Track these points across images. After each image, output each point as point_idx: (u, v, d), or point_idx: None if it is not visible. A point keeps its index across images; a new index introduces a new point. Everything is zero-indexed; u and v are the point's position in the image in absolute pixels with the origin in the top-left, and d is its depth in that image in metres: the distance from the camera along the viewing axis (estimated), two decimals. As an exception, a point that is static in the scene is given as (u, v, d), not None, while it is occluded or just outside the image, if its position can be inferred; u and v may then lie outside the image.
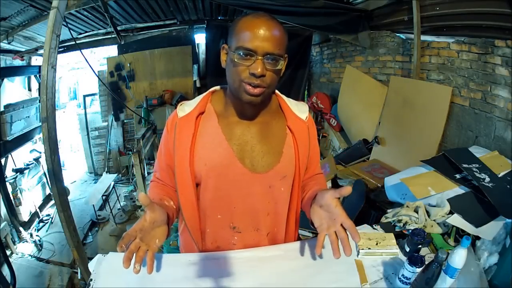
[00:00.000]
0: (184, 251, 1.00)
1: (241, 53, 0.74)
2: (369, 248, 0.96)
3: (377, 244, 0.98)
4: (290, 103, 0.94)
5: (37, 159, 3.83)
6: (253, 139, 0.87)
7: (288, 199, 0.93)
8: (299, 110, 0.94)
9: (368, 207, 2.00)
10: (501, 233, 1.06)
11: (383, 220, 1.27)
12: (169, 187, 0.95)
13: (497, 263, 0.94)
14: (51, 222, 3.67)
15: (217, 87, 0.94)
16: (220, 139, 0.85)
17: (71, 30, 2.60)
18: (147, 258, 0.68)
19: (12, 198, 3.25)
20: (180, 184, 0.87)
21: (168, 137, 0.90)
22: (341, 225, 0.73)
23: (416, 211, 1.23)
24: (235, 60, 0.75)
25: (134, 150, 2.86)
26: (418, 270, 0.78)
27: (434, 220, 1.21)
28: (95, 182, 4.71)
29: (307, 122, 0.94)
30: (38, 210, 3.71)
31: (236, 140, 0.86)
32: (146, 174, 3.09)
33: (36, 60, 3.94)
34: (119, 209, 3.90)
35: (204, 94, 0.92)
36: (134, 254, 0.67)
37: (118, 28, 3.71)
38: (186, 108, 0.88)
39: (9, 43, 3.03)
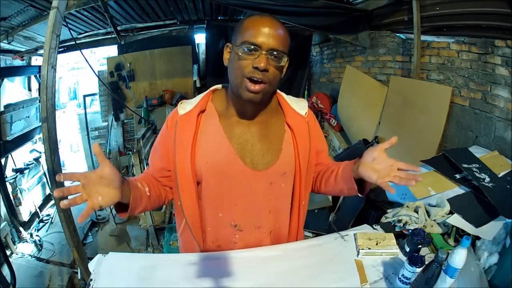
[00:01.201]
0: (184, 251, 0.99)
1: (246, 48, 0.77)
2: (369, 248, 0.96)
3: (377, 244, 0.98)
4: (290, 100, 0.95)
5: (37, 159, 3.83)
6: (253, 138, 0.88)
7: (289, 196, 0.94)
8: (299, 106, 0.95)
9: (368, 207, 2.00)
10: (501, 233, 1.06)
11: (383, 220, 1.27)
12: (158, 182, 0.93)
13: (497, 263, 0.94)
14: (51, 222, 3.67)
15: (218, 86, 0.95)
16: (221, 137, 0.86)
17: (71, 30, 2.59)
18: (84, 210, 0.67)
19: (12, 198, 3.25)
20: (181, 182, 0.87)
21: (168, 134, 0.90)
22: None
23: (416, 211, 1.23)
24: (240, 54, 0.77)
25: (134, 150, 2.86)
26: (418, 270, 0.78)
27: (434, 220, 1.21)
28: (95, 182, 4.70)
29: (307, 118, 0.95)
30: (38, 210, 3.71)
31: (236, 139, 0.87)
32: (146, 174, 3.09)
33: (36, 60, 3.94)
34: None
35: (205, 92, 0.92)
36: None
37: (118, 28, 3.71)
38: (187, 106, 0.89)
39: (9, 43, 3.02)
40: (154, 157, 0.95)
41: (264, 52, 0.76)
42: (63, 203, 0.66)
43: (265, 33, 0.76)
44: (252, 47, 0.76)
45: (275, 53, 0.77)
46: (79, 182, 0.68)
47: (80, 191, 0.68)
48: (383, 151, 0.81)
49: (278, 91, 0.96)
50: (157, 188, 0.91)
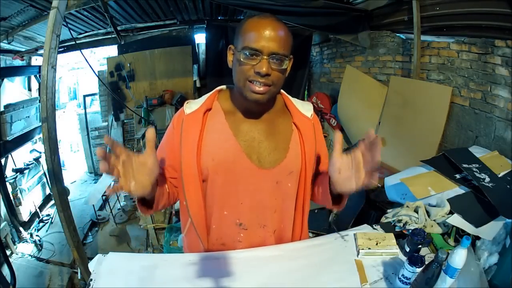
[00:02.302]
0: (188, 251, 1.00)
1: (247, 53, 0.77)
2: (369, 248, 0.96)
3: (377, 244, 0.98)
4: (296, 102, 0.96)
5: (37, 159, 3.83)
6: (260, 135, 0.88)
7: (294, 196, 0.93)
8: (304, 108, 0.95)
9: (368, 207, 2.00)
10: (501, 233, 1.06)
11: (383, 220, 1.27)
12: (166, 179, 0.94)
13: (497, 263, 0.94)
14: (51, 222, 3.67)
15: (223, 86, 0.96)
16: (227, 135, 0.86)
17: (71, 30, 2.60)
18: (114, 186, 0.67)
19: (12, 198, 3.25)
20: (187, 180, 0.87)
21: (174, 133, 0.90)
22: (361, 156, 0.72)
23: (416, 211, 1.23)
24: (241, 59, 0.78)
25: (134, 150, 2.85)
26: (418, 270, 0.78)
27: (434, 220, 1.21)
28: (95, 182, 4.71)
29: (312, 120, 0.95)
30: (38, 210, 3.71)
31: (243, 137, 0.87)
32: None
33: (36, 60, 3.94)
34: (119, 209, 3.90)
35: (211, 92, 0.93)
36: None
37: (118, 28, 3.71)
38: (193, 106, 0.89)
39: (9, 43, 3.02)
40: (160, 157, 0.94)
41: (265, 57, 0.76)
42: (110, 190, 0.65)
43: (266, 36, 0.75)
44: (253, 52, 0.76)
45: (276, 56, 0.77)
46: (119, 155, 0.67)
47: (117, 165, 0.67)
48: (339, 155, 0.75)
49: (283, 92, 0.96)
50: (170, 187, 0.92)
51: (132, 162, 0.70)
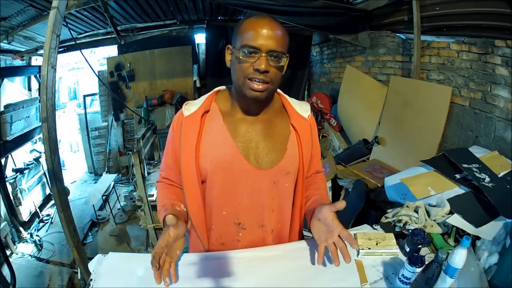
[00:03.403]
0: (191, 250, 1.01)
1: (246, 51, 0.78)
2: (369, 248, 0.96)
3: (377, 244, 0.98)
4: (293, 102, 0.97)
5: (37, 159, 3.83)
6: (257, 136, 0.89)
7: (292, 196, 0.95)
8: (302, 109, 0.96)
9: (368, 207, 2.00)
10: (501, 233, 1.06)
11: (383, 220, 1.27)
12: (176, 186, 0.97)
13: (497, 263, 0.94)
14: (51, 222, 3.68)
15: (222, 87, 0.96)
16: (225, 136, 0.88)
17: (71, 30, 2.60)
18: (171, 269, 0.78)
19: (12, 198, 3.26)
20: (186, 182, 0.88)
21: (174, 135, 0.93)
22: (339, 236, 0.80)
23: (416, 211, 1.23)
24: (240, 57, 0.79)
25: (134, 150, 2.85)
26: (418, 270, 0.78)
27: (434, 220, 1.20)
28: (95, 182, 4.71)
29: (309, 121, 0.97)
30: (38, 210, 3.71)
31: (241, 138, 0.88)
32: (146, 174, 3.08)
33: (36, 60, 3.94)
34: (119, 209, 3.90)
35: (209, 93, 0.94)
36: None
37: (118, 28, 3.71)
38: (191, 108, 0.91)
39: (9, 43, 3.03)
40: (168, 158, 0.97)
41: (263, 54, 0.78)
42: (167, 283, 0.77)
43: (264, 35, 0.77)
44: (252, 50, 0.78)
45: (274, 54, 0.79)
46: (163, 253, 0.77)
47: (166, 259, 0.78)
48: (329, 213, 0.82)
49: (280, 92, 0.97)
50: (182, 196, 0.95)
51: (170, 245, 0.79)
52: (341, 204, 0.81)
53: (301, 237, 1.03)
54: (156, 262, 0.73)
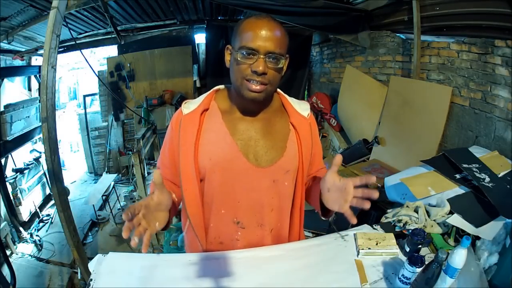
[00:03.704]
0: (189, 250, 1.00)
1: (244, 52, 0.78)
2: (369, 248, 0.96)
3: (377, 244, 0.98)
4: (293, 101, 0.97)
5: (37, 159, 3.83)
6: (257, 134, 0.89)
7: (291, 195, 0.94)
8: (301, 108, 0.96)
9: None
10: (501, 233, 1.06)
11: (383, 220, 1.27)
12: (171, 183, 0.96)
13: (497, 263, 0.94)
14: (51, 222, 3.67)
15: (221, 86, 0.96)
16: (224, 134, 0.87)
17: (71, 30, 2.60)
18: (144, 237, 0.68)
19: (12, 198, 3.25)
20: (185, 180, 0.88)
21: (172, 134, 0.92)
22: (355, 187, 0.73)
23: (416, 211, 1.23)
24: (238, 59, 0.79)
25: (134, 150, 2.85)
26: (418, 270, 0.78)
27: (434, 220, 1.21)
28: (95, 182, 4.71)
29: (309, 119, 0.96)
30: (38, 210, 3.71)
31: (240, 135, 0.88)
32: (146, 174, 3.09)
33: (36, 60, 3.94)
34: (119, 209, 3.90)
35: (208, 92, 0.94)
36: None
37: (118, 28, 3.71)
38: (191, 106, 0.90)
39: (9, 43, 3.03)
40: (164, 157, 0.96)
41: (262, 56, 0.77)
42: (134, 242, 0.65)
43: (262, 36, 0.77)
44: (250, 51, 0.77)
45: (273, 55, 0.78)
46: (139, 212, 0.69)
47: (141, 221, 0.69)
48: (333, 175, 0.77)
49: (279, 91, 0.97)
50: (176, 191, 0.92)
51: (150, 209, 0.72)
52: (338, 158, 0.75)
53: (301, 236, 1.03)
54: (129, 212, 0.64)
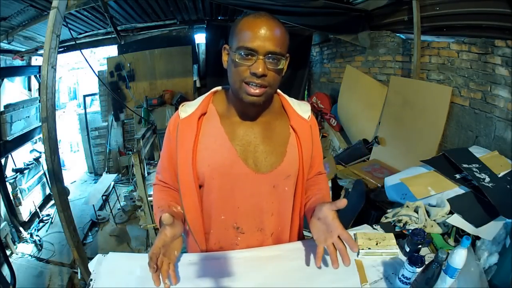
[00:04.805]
0: (189, 252, 1.00)
1: (242, 53, 0.74)
2: (369, 248, 0.96)
3: (377, 244, 0.98)
4: (293, 102, 0.94)
5: (37, 159, 3.83)
6: (256, 139, 0.86)
7: (292, 199, 0.93)
8: (302, 109, 0.93)
9: (368, 207, 2.00)
10: (501, 233, 1.06)
11: (383, 220, 1.27)
12: (173, 189, 0.95)
13: (497, 263, 0.94)
14: (51, 222, 3.68)
15: (219, 88, 0.93)
16: (222, 139, 0.85)
17: (71, 30, 2.60)
18: (170, 270, 0.74)
19: (12, 198, 3.26)
20: (183, 186, 0.86)
21: (170, 138, 0.90)
22: (339, 237, 0.76)
23: (416, 211, 1.23)
24: (236, 60, 0.75)
25: (134, 150, 2.85)
26: (418, 270, 0.78)
27: (434, 220, 1.20)
28: (95, 182, 4.71)
29: (310, 122, 0.93)
30: (38, 210, 3.71)
31: (239, 141, 0.85)
32: (146, 174, 3.08)
33: (36, 60, 3.94)
34: (119, 209, 3.90)
35: (206, 94, 0.91)
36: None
37: (118, 28, 3.71)
38: (188, 109, 0.88)
39: (9, 43, 3.03)
40: (164, 161, 0.94)
41: (261, 57, 0.73)
42: (167, 285, 0.72)
43: (261, 36, 0.73)
44: (248, 52, 0.73)
45: (273, 56, 0.74)
46: (161, 254, 0.72)
47: (163, 260, 0.73)
48: (330, 211, 0.78)
49: (280, 92, 0.94)
50: (179, 198, 0.92)
51: (168, 245, 0.75)
52: (342, 202, 0.76)
53: (301, 238, 1.02)
54: (154, 264, 0.68)
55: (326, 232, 0.78)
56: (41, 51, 3.53)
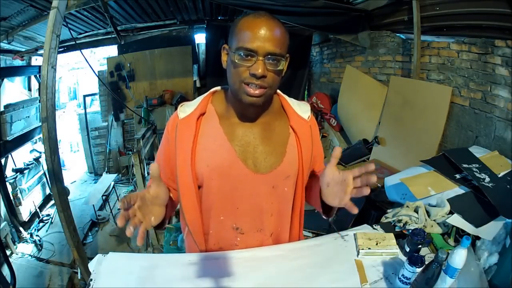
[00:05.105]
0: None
1: (242, 54, 0.74)
2: (369, 248, 0.96)
3: (377, 244, 0.98)
4: (293, 103, 0.93)
5: (37, 159, 3.83)
6: (255, 139, 0.86)
7: (291, 199, 0.92)
8: (301, 110, 0.93)
9: (368, 207, 2.00)
10: (501, 233, 1.06)
11: (383, 220, 1.27)
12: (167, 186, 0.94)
13: (497, 263, 0.94)
14: (51, 222, 3.68)
15: (218, 88, 0.93)
16: (222, 140, 0.84)
17: (71, 30, 2.60)
18: (139, 230, 0.64)
19: (12, 198, 3.26)
20: (182, 187, 0.86)
21: (169, 138, 0.89)
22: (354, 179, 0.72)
23: (416, 211, 1.23)
24: (236, 61, 0.75)
25: (134, 150, 2.85)
26: (418, 270, 0.78)
27: (434, 220, 1.21)
28: (95, 182, 4.71)
29: (309, 122, 0.93)
30: (38, 210, 3.71)
31: (238, 141, 0.85)
32: (146, 174, 3.09)
33: (36, 60, 3.94)
34: (119, 209, 3.88)
35: (205, 94, 0.91)
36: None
37: (118, 28, 3.71)
38: (187, 109, 0.87)
39: (9, 43, 3.03)
40: (160, 161, 0.94)
41: (260, 58, 0.73)
42: (130, 231, 0.62)
43: (261, 36, 0.72)
44: (248, 53, 0.73)
45: (272, 57, 0.74)
46: (135, 203, 0.66)
47: (136, 213, 0.66)
48: (332, 169, 0.76)
49: (279, 92, 0.94)
50: (172, 192, 0.91)
51: (146, 201, 0.70)
52: (338, 150, 0.73)
53: (301, 238, 1.02)
54: (125, 201, 0.62)
55: (342, 186, 0.73)
56: (41, 51, 3.53)
